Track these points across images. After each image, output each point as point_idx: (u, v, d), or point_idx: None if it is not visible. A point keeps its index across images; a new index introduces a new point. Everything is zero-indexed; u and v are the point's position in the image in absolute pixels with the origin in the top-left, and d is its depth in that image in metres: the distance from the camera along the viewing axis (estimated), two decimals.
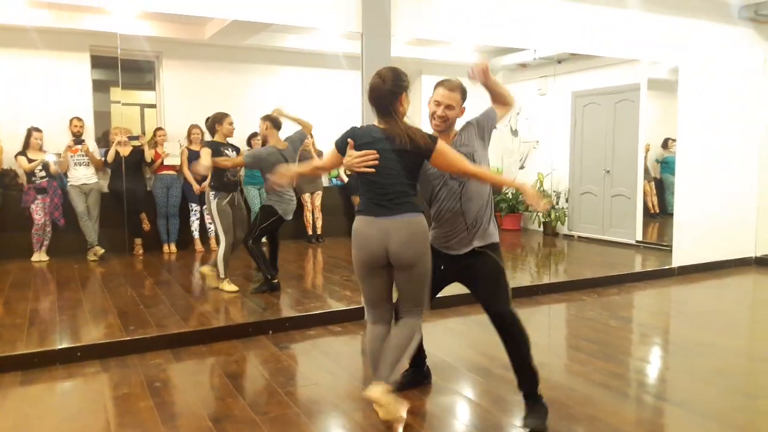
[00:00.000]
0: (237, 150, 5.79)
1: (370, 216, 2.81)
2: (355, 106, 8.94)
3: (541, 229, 9.49)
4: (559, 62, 9.12)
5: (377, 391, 2.72)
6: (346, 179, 8.97)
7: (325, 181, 9.07)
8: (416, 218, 2.81)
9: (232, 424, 2.98)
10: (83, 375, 3.69)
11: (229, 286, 5.47)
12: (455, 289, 5.72)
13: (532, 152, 9.89)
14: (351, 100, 8.95)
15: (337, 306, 5.07)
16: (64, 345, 4.03)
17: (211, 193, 5.50)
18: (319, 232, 8.50)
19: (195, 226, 7.74)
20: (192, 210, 7.76)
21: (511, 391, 3.36)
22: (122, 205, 7.29)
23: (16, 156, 7.21)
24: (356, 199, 8.81)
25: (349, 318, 4.81)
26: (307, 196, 8.50)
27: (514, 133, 10.21)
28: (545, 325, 5.05)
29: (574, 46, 6.20)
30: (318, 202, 8.55)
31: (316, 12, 4.77)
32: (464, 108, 3.13)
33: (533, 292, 5.64)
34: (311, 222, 8.49)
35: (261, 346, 4.22)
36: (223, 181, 5.47)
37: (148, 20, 7.61)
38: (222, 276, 5.50)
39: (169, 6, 4.40)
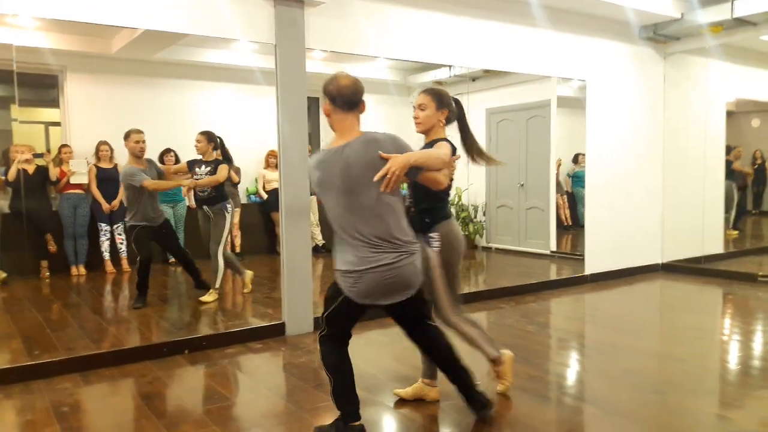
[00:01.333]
0: (212, 166, 5.76)
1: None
2: (270, 120, 8.94)
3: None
4: (474, 80, 9.42)
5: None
6: (265, 196, 8.84)
7: (243, 198, 8.91)
8: None
9: None
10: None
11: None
12: None
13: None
14: (266, 115, 8.94)
15: (258, 323, 4.97)
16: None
17: (228, 205, 5.76)
18: (237, 249, 8.32)
19: (105, 246, 7.40)
20: (102, 230, 7.40)
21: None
22: (24, 226, 6.88)
23: None
24: (276, 216, 8.69)
25: (270, 335, 4.72)
26: (275, 215, 8.33)
27: None
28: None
29: (488, 62, 6.44)
30: (236, 219, 8.37)
31: (229, 23, 4.68)
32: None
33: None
34: (229, 240, 8.29)
35: (176, 366, 4.06)
36: (196, 196, 5.81)
37: (50, 32, 7.25)
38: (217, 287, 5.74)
39: (72, 14, 4.19)
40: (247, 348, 4.45)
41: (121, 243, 7.49)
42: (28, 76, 7.91)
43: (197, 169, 5.76)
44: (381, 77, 9.90)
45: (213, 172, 5.68)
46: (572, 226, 9.08)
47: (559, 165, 8.88)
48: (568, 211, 9.34)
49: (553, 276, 7.32)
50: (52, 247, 7.20)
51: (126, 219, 5.67)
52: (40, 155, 7.55)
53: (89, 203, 7.39)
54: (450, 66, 8.78)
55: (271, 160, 8.89)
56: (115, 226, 7.49)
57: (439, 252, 3.11)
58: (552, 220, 8.52)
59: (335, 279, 2.76)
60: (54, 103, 8.33)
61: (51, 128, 8.45)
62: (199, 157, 5.82)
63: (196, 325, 4.97)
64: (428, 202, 3.13)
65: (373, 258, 2.63)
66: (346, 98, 2.66)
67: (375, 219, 2.64)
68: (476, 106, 9.50)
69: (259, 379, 3.87)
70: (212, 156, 5.75)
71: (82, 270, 7.22)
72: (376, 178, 2.57)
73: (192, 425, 3.08)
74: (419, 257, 2.77)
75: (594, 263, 7.00)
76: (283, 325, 4.79)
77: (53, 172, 7.27)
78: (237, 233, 8.37)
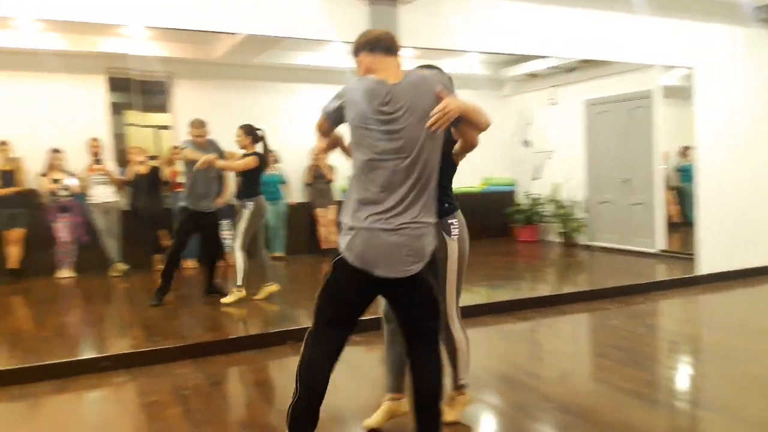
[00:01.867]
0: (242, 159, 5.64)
1: None
2: None
3: (560, 240, 9.46)
4: (570, 71, 9.16)
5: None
6: None
7: (337, 195, 9.11)
8: None
9: (261, 430, 2.99)
10: (113, 384, 3.73)
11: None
12: (472, 298, 5.75)
13: (546, 162, 9.89)
14: None
15: None
16: (94, 355, 4.09)
17: (249, 203, 5.53)
18: (334, 246, 8.52)
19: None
20: None
21: (535, 396, 3.36)
22: (141, 222, 7.40)
23: (38, 176, 7.34)
24: None
25: (369, 328, 4.79)
26: (320, 211, 8.54)
27: (526, 143, 10.23)
28: (569, 333, 5.03)
29: (585, 52, 6.23)
30: (332, 216, 8.58)
31: (324, 25, 4.82)
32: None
33: (555, 302, 5.62)
34: (324, 237, 8.52)
35: (282, 355, 4.24)
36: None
37: (159, 41, 7.74)
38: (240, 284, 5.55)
39: (180, 22, 4.44)
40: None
41: (226, 238, 7.87)
42: (142, 83, 8.47)
43: None
44: (472, 72, 9.82)
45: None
46: (682, 223, 8.58)
47: (666, 158, 8.46)
48: (676, 208, 8.88)
49: (661, 276, 6.96)
50: (166, 243, 7.68)
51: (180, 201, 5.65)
52: (154, 157, 8.07)
53: None
54: (545, 57, 8.58)
55: None
56: (220, 222, 7.87)
57: (458, 240, 2.85)
58: (660, 217, 8.11)
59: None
60: (163, 107, 8.87)
61: (160, 131, 9.00)
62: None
63: (298, 317, 5.14)
64: (447, 183, 2.84)
65: (385, 217, 2.28)
66: (386, 43, 2.43)
67: (408, 181, 2.30)
68: (573, 98, 9.24)
69: (362, 371, 3.96)
70: (251, 149, 5.57)
71: (192, 264, 7.65)
72: (432, 117, 2.29)
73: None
74: (435, 238, 2.44)
75: (709, 263, 6.59)
76: (379, 320, 4.85)
77: (165, 173, 7.75)
78: (333, 230, 8.57)
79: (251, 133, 5.57)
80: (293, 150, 8.76)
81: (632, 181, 8.45)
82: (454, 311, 2.92)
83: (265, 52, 7.82)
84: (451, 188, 2.93)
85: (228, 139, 6.48)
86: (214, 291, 5.81)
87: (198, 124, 5.66)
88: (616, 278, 6.74)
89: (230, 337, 4.51)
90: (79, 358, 4.07)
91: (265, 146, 5.68)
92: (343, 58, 8.47)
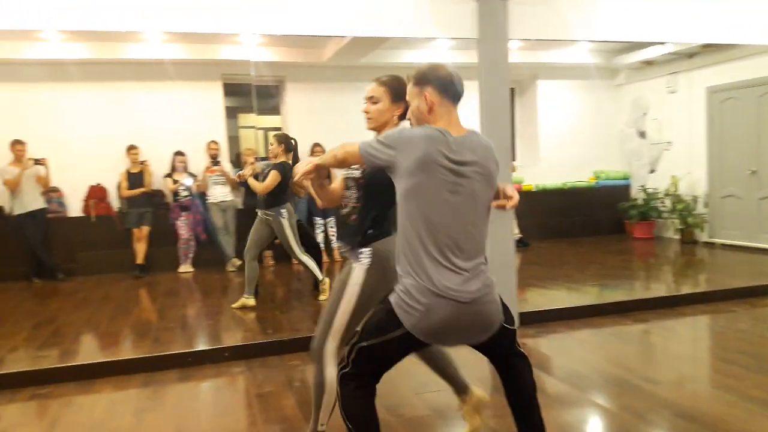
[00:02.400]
0: (267, 170, 5.63)
1: None
2: (472, 115, 8.92)
3: (678, 237, 8.91)
4: (691, 56, 8.59)
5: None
6: None
7: None
8: None
9: None
10: (231, 374, 3.96)
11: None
12: (583, 298, 5.55)
13: (663, 154, 9.35)
14: (462, 110, 9.02)
15: None
16: (213, 346, 4.36)
17: (282, 210, 5.55)
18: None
19: (320, 238, 8.05)
20: (316, 224, 8.08)
21: (650, 401, 3.20)
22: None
23: (163, 178, 7.94)
24: None
25: None
26: None
27: (642, 134, 9.71)
28: (689, 337, 4.74)
29: (708, 36, 5.79)
30: None
31: (431, 22, 4.82)
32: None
33: (673, 303, 5.31)
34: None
35: None
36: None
37: (271, 47, 8.10)
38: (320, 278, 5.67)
39: (292, 27, 4.61)
40: None
41: (333, 235, 8.10)
42: (253, 88, 8.89)
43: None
44: (582, 61, 9.46)
45: (266, 176, 5.50)
46: None
47: None
48: None
49: None
50: (278, 240, 8.02)
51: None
52: (265, 158, 8.46)
53: (306, 200, 8.10)
54: (662, 43, 8.12)
55: None
56: (327, 220, 8.14)
57: (367, 271, 2.52)
58: None
59: (391, 303, 2.13)
60: (275, 110, 9.27)
61: (270, 133, 9.41)
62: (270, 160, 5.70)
63: None
64: (379, 209, 2.54)
65: (457, 284, 2.09)
66: (458, 91, 2.24)
67: (474, 230, 2.17)
68: (694, 85, 8.66)
69: (469, 370, 3.93)
70: (281, 158, 5.51)
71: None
72: (500, 206, 2.28)
73: (408, 408, 3.25)
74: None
75: None
76: None
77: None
78: None
79: (284, 142, 5.57)
80: None
81: (761, 173, 7.79)
82: (334, 348, 2.60)
83: (372, 52, 7.96)
84: (385, 214, 2.54)
85: (337, 140, 6.58)
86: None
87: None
88: (741, 278, 6.25)
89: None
90: (200, 348, 4.36)
91: (295, 156, 5.64)
92: (445, 54, 8.48)
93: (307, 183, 2.49)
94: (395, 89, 2.57)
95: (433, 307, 2.05)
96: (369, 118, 2.60)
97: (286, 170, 5.35)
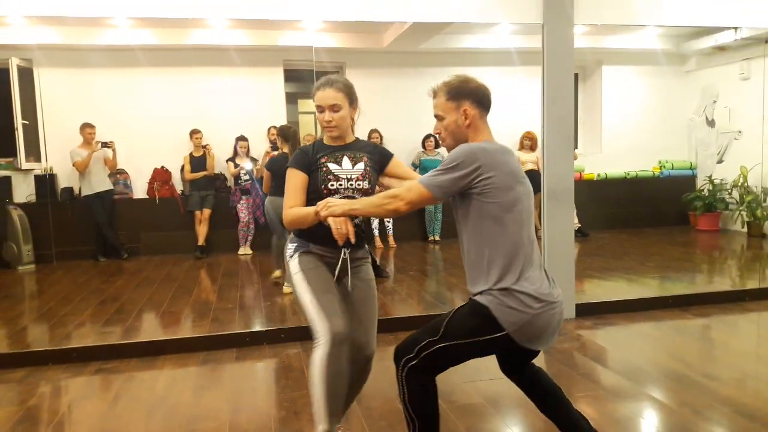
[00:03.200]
0: None
1: None
2: (526, 101, 8.77)
3: (745, 229, 8.54)
4: (766, 41, 8.15)
5: None
6: None
7: None
8: None
9: None
10: (286, 354, 4.05)
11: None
12: (643, 291, 5.41)
13: (733, 144, 8.95)
14: (520, 96, 8.88)
15: None
16: (270, 327, 4.48)
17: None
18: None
19: (375, 224, 8.11)
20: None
21: (709, 397, 3.11)
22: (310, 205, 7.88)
23: (225, 162, 8.15)
24: None
25: None
26: None
27: (711, 123, 9.32)
28: (753, 334, 4.56)
29: None
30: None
31: (492, 7, 4.75)
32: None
33: (738, 298, 5.11)
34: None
35: None
36: None
37: (332, 32, 8.15)
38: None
39: (353, 14, 4.63)
40: None
41: (388, 222, 8.14)
42: (313, 74, 8.97)
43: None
44: (650, 47, 9.14)
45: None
46: None
47: None
48: None
49: None
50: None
51: None
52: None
53: None
54: (736, 28, 7.74)
55: (526, 142, 8.84)
56: None
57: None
58: None
59: (489, 308, 2.09)
60: None
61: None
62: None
63: (455, 301, 5.19)
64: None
65: (548, 288, 2.16)
66: (489, 103, 2.26)
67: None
68: None
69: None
70: (284, 148, 5.63)
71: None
72: None
73: (461, 395, 3.25)
74: None
75: None
76: None
77: None
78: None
79: (281, 134, 5.71)
80: None
81: None
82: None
83: (432, 38, 7.91)
84: None
85: (394, 126, 6.50)
86: (378, 274, 6.04)
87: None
88: None
89: (392, 317, 4.68)
90: (257, 329, 4.48)
91: (294, 146, 5.62)
92: (506, 39, 8.34)
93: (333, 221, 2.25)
94: (351, 93, 2.53)
95: (539, 312, 2.09)
96: (334, 127, 2.48)
97: (279, 162, 5.50)
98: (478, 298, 2.14)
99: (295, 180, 2.46)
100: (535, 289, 2.10)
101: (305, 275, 2.45)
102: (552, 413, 2.39)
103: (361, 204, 2.24)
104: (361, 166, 2.53)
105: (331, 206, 2.23)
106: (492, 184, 2.08)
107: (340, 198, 2.44)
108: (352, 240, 2.25)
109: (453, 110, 2.21)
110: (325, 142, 2.55)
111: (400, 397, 2.22)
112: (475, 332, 2.13)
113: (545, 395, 2.40)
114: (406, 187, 2.16)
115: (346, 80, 2.55)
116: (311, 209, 2.32)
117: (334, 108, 2.47)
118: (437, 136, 2.34)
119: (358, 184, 2.50)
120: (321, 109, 2.48)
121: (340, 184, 2.46)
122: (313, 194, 2.45)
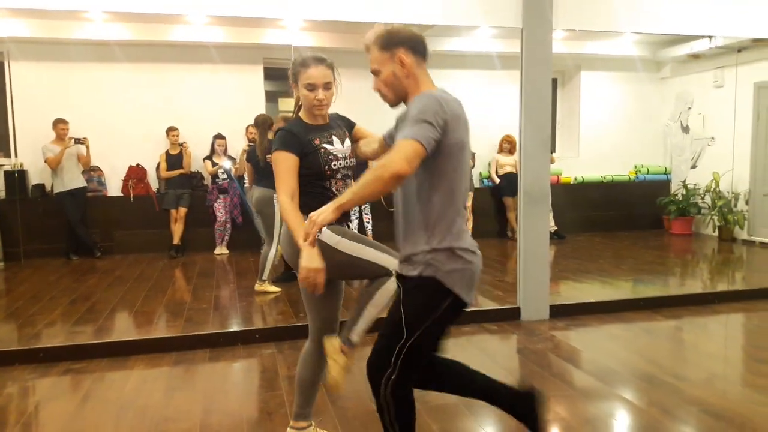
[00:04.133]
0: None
1: None
2: (504, 104, 8.83)
3: (716, 234, 8.70)
4: (740, 51, 8.32)
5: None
6: (497, 180, 8.88)
7: (476, 182, 9.05)
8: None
9: None
10: (261, 355, 4.02)
11: (272, 287, 5.59)
12: (616, 293, 5.47)
13: (706, 150, 9.11)
14: (499, 100, 8.94)
15: (490, 305, 5.04)
16: (245, 327, 4.44)
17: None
18: (469, 232, 8.47)
19: (354, 225, 8.09)
20: (352, 210, 8.12)
21: (678, 397, 3.15)
22: None
23: (203, 160, 8.07)
24: (508, 200, 8.69)
25: (504, 318, 4.76)
26: None
27: (685, 129, 9.48)
28: (722, 335, 4.64)
29: (758, 31, 5.60)
30: (469, 203, 8.55)
31: (476, 10, 4.77)
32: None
33: (708, 300, 5.20)
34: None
35: None
36: None
37: (314, 31, 8.12)
38: (264, 278, 5.56)
39: (335, 14, 4.63)
40: (483, 329, 4.55)
41: (368, 222, 8.13)
42: (285, 72, 8.94)
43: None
44: (627, 53, 9.26)
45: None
46: None
47: None
48: None
49: None
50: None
51: None
52: None
53: None
54: (710, 37, 7.88)
55: (505, 145, 8.90)
56: (363, 207, 8.16)
57: None
58: None
59: (431, 277, 1.99)
60: None
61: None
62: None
63: None
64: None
65: (470, 236, 2.12)
66: (426, 49, 2.11)
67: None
68: (742, 81, 8.40)
69: (497, 360, 3.94)
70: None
71: None
72: None
73: (435, 395, 3.24)
74: None
75: None
76: (518, 309, 4.79)
77: None
78: (469, 217, 8.53)
79: (255, 123, 5.96)
80: None
81: None
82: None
83: None
84: None
85: (375, 128, 6.52)
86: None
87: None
88: None
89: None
90: (231, 329, 4.44)
91: (264, 133, 5.69)
92: (486, 43, 8.39)
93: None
94: (334, 68, 2.45)
95: (475, 262, 2.07)
96: (324, 105, 2.39)
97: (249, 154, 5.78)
98: (413, 271, 2.01)
99: (287, 163, 2.29)
100: (471, 243, 2.07)
101: (348, 237, 2.39)
102: (471, 389, 2.33)
103: (350, 193, 1.90)
104: (348, 143, 2.50)
105: (320, 216, 1.87)
106: (454, 138, 1.95)
107: (340, 177, 2.41)
108: (320, 291, 2.06)
109: (388, 61, 2.05)
110: (307, 121, 2.42)
111: (384, 414, 2.09)
112: (433, 308, 2.01)
113: (457, 374, 2.32)
114: (393, 149, 1.86)
115: (324, 58, 2.44)
116: (300, 233, 2.07)
117: (327, 86, 2.38)
118: (378, 93, 2.15)
119: (350, 162, 2.47)
120: (312, 87, 2.35)
121: (339, 164, 2.41)
122: (316, 177, 2.35)
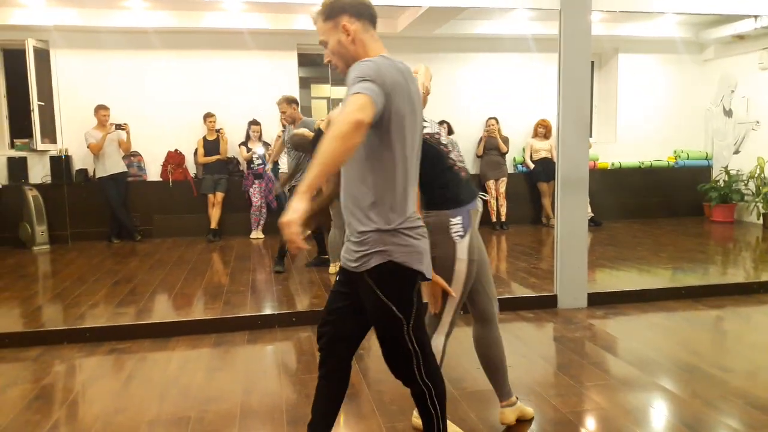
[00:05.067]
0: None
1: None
2: (540, 88, 8.70)
3: (761, 221, 8.46)
4: None
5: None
6: (531, 166, 8.78)
7: (510, 167, 8.95)
8: None
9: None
10: (298, 338, 4.09)
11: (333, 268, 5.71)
12: (656, 281, 5.38)
13: (749, 134, 8.84)
14: (535, 83, 8.80)
15: (526, 292, 5.00)
16: (282, 311, 4.51)
17: None
18: (503, 219, 8.43)
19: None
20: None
21: (721, 389, 3.10)
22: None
23: (238, 146, 8.16)
24: (543, 186, 8.59)
25: (541, 306, 4.72)
26: (491, 183, 8.47)
27: (728, 113, 9.21)
28: (767, 326, 4.52)
29: None
30: (503, 188, 8.48)
31: None
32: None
33: (752, 290, 5.08)
34: (495, 209, 8.44)
35: (462, 323, 4.30)
36: None
37: None
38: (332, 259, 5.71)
39: None
40: (519, 316, 4.53)
41: None
42: (320, 58, 8.96)
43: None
44: (667, 35, 9.01)
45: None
46: None
47: None
48: None
49: None
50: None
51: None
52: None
53: None
54: (756, 17, 7.61)
55: (540, 130, 8.78)
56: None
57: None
58: None
59: (399, 263, 1.92)
60: (342, 81, 9.30)
61: (334, 103, 9.48)
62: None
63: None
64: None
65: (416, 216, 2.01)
66: (374, 11, 2.03)
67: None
68: None
69: (533, 348, 3.91)
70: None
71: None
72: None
73: (471, 382, 3.26)
74: None
75: None
76: (554, 297, 4.75)
77: None
78: (503, 203, 8.47)
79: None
80: (468, 122, 8.77)
81: None
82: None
83: (447, 23, 7.85)
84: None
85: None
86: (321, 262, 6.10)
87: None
88: None
89: None
90: (268, 312, 4.51)
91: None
92: (522, 25, 8.26)
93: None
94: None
95: (420, 238, 1.98)
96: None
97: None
98: (368, 261, 1.92)
99: None
100: (416, 221, 1.97)
101: (470, 269, 2.46)
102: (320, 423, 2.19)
103: (314, 167, 1.70)
104: None
105: (292, 216, 1.72)
106: (394, 106, 1.85)
107: None
108: (303, 246, 1.81)
109: (332, 30, 1.98)
110: None
111: (424, 398, 2.08)
112: (407, 292, 1.97)
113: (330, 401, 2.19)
114: (341, 108, 1.79)
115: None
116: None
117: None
118: (330, 64, 2.09)
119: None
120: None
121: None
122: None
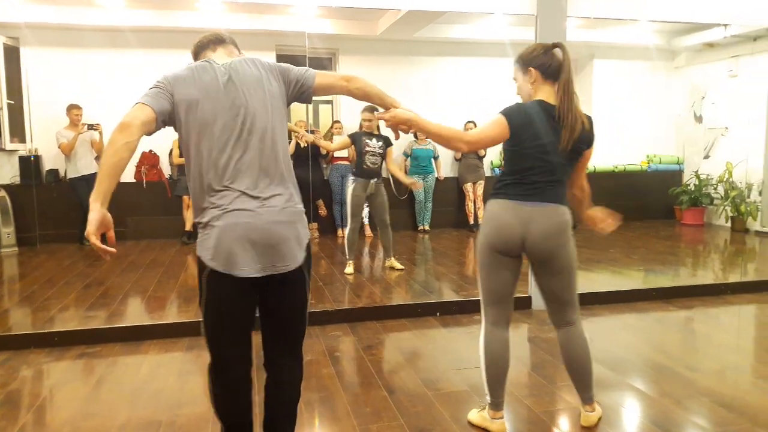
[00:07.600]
0: (385, 141, 5.70)
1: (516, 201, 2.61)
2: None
3: (729, 224, 8.64)
4: (755, 39, 8.22)
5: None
6: None
7: (487, 171, 9.02)
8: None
9: (405, 396, 3.10)
10: None
11: (348, 268, 5.84)
12: (628, 283, 5.46)
13: (719, 140, 9.03)
14: (514, 88, 8.88)
15: None
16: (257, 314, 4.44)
17: (351, 178, 5.86)
18: (480, 221, 8.47)
19: (365, 212, 8.10)
20: None
21: (690, 388, 3.15)
22: (304, 193, 7.86)
23: None
24: None
25: (516, 307, 4.72)
26: (468, 186, 8.53)
27: (698, 119, 9.39)
28: (734, 326, 4.62)
29: None
30: (480, 191, 8.54)
31: None
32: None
33: (720, 291, 5.18)
34: (473, 212, 8.51)
35: (429, 327, 4.33)
36: (362, 168, 5.70)
37: (326, 18, 8.09)
38: (348, 258, 5.89)
39: (350, 0, 4.62)
40: None
41: (365, 218, 8.15)
42: (306, 60, 8.92)
43: (369, 141, 5.69)
44: (641, 42, 9.17)
45: (385, 146, 5.65)
46: None
47: None
48: None
49: None
50: (323, 212, 8.18)
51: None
52: (314, 131, 8.52)
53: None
54: (726, 25, 7.78)
55: None
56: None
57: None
58: None
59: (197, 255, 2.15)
60: None
61: (321, 106, 9.45)
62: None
63: (442, 290, 5.21)
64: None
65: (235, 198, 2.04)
66: (221, 38, 2.46)
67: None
68: (758, 70, 8.30)
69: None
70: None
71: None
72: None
73: (446, 383, 3.27)
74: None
75: None
76: (529, 298, 4.79)
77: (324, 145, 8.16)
78: (480, 206, 8.53)
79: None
80: (448, 124, 8.81)
81: None
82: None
83: (426, 27, 7.90)
84: None
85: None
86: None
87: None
88: None
89: (379, 305, 4.69)
90: None
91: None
92: (504, 30, 8.34)
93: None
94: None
95: (215, 227, 2.04)
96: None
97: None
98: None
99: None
100: (214, 215, 2.02)
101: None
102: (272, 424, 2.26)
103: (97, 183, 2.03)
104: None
105: (90, 209, 1.98)
106: (179, 97, 2.11)
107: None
108: (110, 251, 1.99)
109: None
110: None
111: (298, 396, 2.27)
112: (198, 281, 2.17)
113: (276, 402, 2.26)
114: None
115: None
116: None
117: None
118: None
119: None
120: None
121: None
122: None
